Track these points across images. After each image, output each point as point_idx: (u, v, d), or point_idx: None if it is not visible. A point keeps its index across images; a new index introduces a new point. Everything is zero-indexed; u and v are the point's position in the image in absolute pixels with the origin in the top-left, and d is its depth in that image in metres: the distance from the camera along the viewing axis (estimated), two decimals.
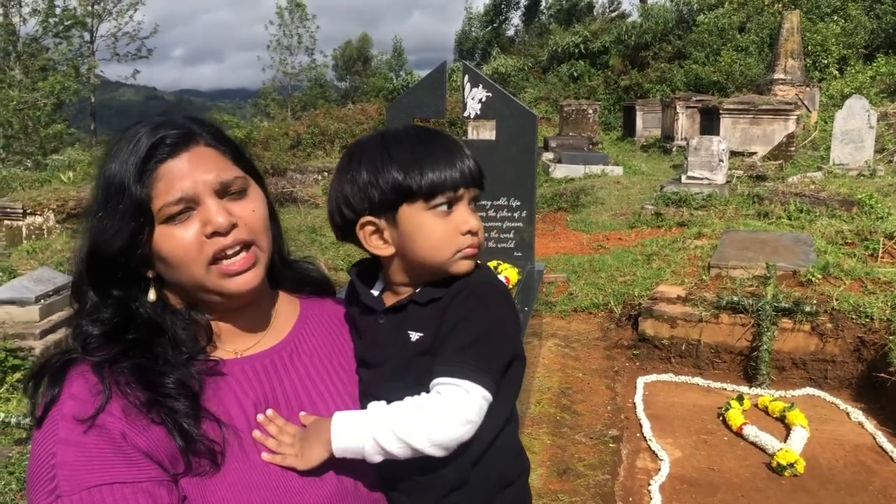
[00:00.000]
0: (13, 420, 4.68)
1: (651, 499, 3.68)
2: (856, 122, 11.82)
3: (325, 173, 17.92)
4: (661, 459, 4.09)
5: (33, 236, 12.72)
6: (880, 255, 6.23)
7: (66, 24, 29.74)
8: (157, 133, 1.05)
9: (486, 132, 7.19)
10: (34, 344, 6.30)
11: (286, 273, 1.28)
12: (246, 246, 1.08)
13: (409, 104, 5.43)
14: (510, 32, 42.18)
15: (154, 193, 1.03)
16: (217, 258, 1.06)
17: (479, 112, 5.25)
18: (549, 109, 24.89)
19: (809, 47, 19.96)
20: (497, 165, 5.29)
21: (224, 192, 1.08)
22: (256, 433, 1.08)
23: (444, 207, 1.14)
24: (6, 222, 12.79)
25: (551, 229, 10.07)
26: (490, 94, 5.23)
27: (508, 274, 4.81)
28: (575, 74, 28.29)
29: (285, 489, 1.04)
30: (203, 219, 1.05)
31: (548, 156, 16.14)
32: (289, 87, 40.92)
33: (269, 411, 1.11)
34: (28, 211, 12.88)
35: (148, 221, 1.04)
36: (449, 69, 22.85)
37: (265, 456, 1.06)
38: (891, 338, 4.86)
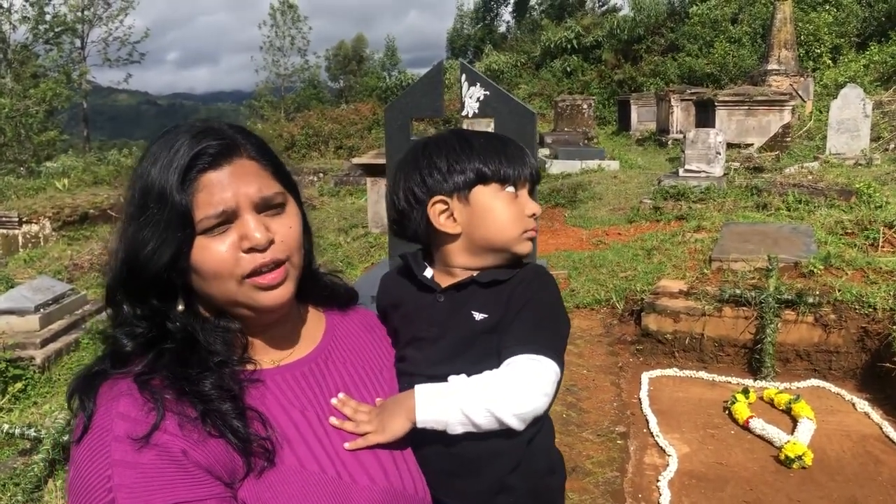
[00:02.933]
0: (17, 431, 4.65)
1: (661, 495, 3.67)
2: (851, 112, 11.83)
3: (321, 174, 17.88)
4: (668, 455, 4.08)
5: (30, 245, 12.70)
6: (880, 244, 6.23)
7: (56, 30, 29.68)
8: (200, 142, 1.04)
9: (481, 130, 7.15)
10: (35, 353, 6.27)
11: (313, 288, 1.27)
12: (278, 263, 1.08)
13: (407, 105, 5.39)
14: (502, 29, 42.26)
15: (194, 204, 1.02)
16: (252, 273, 1.05)
17: (477, 111, 5.22)
18: (544, 105, 24.92)
19: (802, 37, 19.99)
20: None
21: (263, 207, 1.07)
22: (333, 420, 1.11)
23: (513, 191, 1.25)
24: (2, 231, 12.75)
25: (550, 226, 10.05)
26: (488, 93, 5.19)
27: None
28: (568, 69, 28.32)
29: (339, 494, 1.04)
30: (241, 233, 1.04)
31: (543, 151, 16.14)
32: (282, 88, 40.89)
33: (341, 395, 1.13)
34: (24, 219, 12.85)
35: (191, 233, 1.02)
36: (443, 68, 22.78)
37: (347, 445, 1.09)
38: (894, 327, 4.86)
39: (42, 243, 12.62)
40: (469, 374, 1.15)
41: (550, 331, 1.18)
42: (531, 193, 1.29)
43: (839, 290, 5.29)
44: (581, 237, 8.91)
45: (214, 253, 1.03)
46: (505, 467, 1.18)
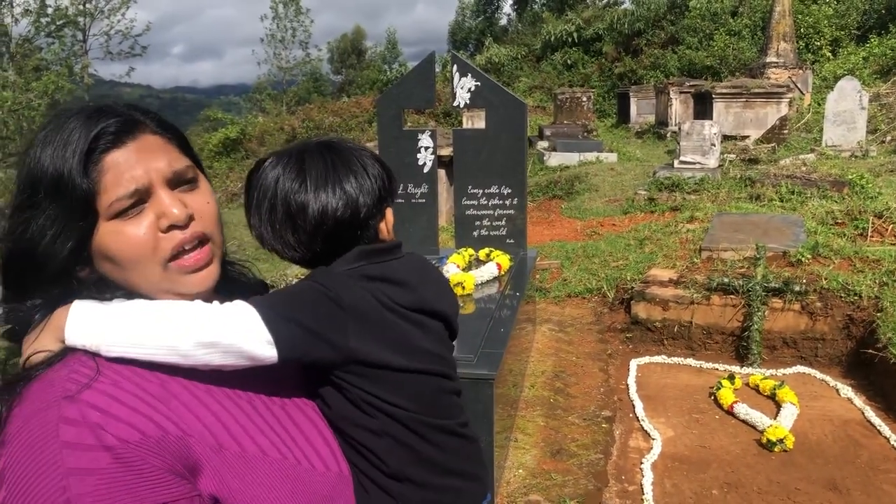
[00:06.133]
0: None
1: (643, 476, 3.75)
2: (847, 104, 11.88)
3: None
4: (653, 439, 4.16)
5: None
6: (869, 233, 6.29)
7: (58, 23, 29.68)
8: (97, 122, 0.96)
9: (480, 121, 7.23)
10: None
11: (225, 273, 1.17)
12: (202, 241, 1.02)
13: (399, 95, 5.48)
14: (503, 22, 42.21)
15: (101, 188, 0.94)
16: (174, 255, 0.98)
17: (468, 101, 5.31)
18: (544, 98, 24.96)
19: (802, 30, 20.00)
20: (488, 154, 5.36)
21: (176, 182, 1.00)
22: None
23: None
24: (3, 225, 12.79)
25: (546, 217, 10.13)
26: (479, 84, 5.28)
27: (500, 261, 4.87)
28: (569, 62, 28.33)
29: (303, 481, 1.02)
30: (158, 212, 0.97)
31: (543, 144, 16.19)
32: (284, 81, 40.89)
33: None
34: None
35: (94, 220, 0.95)
36: (443, 60, 22.90)
37: None
38: (878, 315, 4.93)
39: None
40: None
41: (280, 298, 1.06)
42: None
43: (826, 279, 5.35)
44: (576, 228, 8.99)
45: (131, 237, 0.95)
46: None
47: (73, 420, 0.87)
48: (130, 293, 1.00)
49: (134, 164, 0.96)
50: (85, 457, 0.85)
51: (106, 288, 0.99)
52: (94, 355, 0.93)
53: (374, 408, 1.11)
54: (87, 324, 0.93)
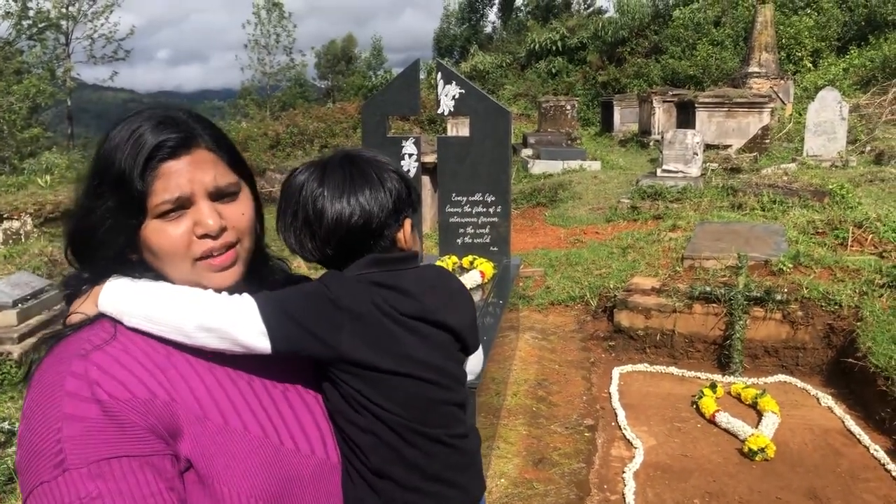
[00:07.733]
0: None
1: (625, 486, 3.74)
2: (828, 114, 12.00)
3: None
4: (635, 447, 4.16)
5: (10, 241, 12.60)
6: (849, 243, 6.35)
7: (39, 26, 29.45)
8: (161, 132, 1.11)
9: (464, 129, 7.26)
10: (12, 348, 6.27)
11: (261, 269, 1.33)
12: (230, 246, 1.16)
13: (384, 102, 5.47)
14: (488, 29, 42.36)
15: (152, 190, 1.09)
16: (203, 256, 1.13)
17: (452, 109, 5.31)
18: (528, 106, 25.07)
19: (783, 40, 20.21)
20: (472, 161, 5.36)
21: (218, 195, 1.15)
22: None
23: None
24: None
25: (530, 224, 10.15)
26: (463, 91, 5.28)
27: (484, 268, 4.87)
28: (553, 71, 28.48)
29: (279, 459, 1.11)
30: (195, 220, 1.12)
31: (527, 152, 16.23)
32: (268, 87, 40.75)
33: None
34: (4, 216, 12.79)
35: (143, 218, 1.10)
36: (428, 67, 22.92)
37: None
38: (858, 324, 4.97)
39: (23, 239, 12.56)
40: None
41: (280, 296, 1.16)
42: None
43: (807, 288, 5.39)
44: (559, 236, 9.01)
45: (169, 236, 1.10)
46: None
47: (76, 374, 1.04)
48: (158, 276, 1.15)
49: (182, 174, 1.11)
50: (79, 406, 1.01)
51: (143, 270, 1.16)
52: (117, 323, 1.10)
53: (362, 406, 1.18)
54: (115, 295, 1.10)
